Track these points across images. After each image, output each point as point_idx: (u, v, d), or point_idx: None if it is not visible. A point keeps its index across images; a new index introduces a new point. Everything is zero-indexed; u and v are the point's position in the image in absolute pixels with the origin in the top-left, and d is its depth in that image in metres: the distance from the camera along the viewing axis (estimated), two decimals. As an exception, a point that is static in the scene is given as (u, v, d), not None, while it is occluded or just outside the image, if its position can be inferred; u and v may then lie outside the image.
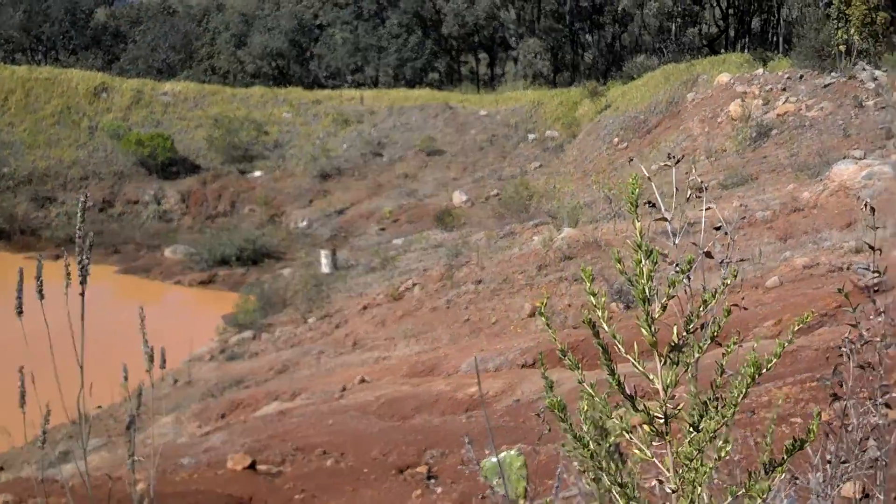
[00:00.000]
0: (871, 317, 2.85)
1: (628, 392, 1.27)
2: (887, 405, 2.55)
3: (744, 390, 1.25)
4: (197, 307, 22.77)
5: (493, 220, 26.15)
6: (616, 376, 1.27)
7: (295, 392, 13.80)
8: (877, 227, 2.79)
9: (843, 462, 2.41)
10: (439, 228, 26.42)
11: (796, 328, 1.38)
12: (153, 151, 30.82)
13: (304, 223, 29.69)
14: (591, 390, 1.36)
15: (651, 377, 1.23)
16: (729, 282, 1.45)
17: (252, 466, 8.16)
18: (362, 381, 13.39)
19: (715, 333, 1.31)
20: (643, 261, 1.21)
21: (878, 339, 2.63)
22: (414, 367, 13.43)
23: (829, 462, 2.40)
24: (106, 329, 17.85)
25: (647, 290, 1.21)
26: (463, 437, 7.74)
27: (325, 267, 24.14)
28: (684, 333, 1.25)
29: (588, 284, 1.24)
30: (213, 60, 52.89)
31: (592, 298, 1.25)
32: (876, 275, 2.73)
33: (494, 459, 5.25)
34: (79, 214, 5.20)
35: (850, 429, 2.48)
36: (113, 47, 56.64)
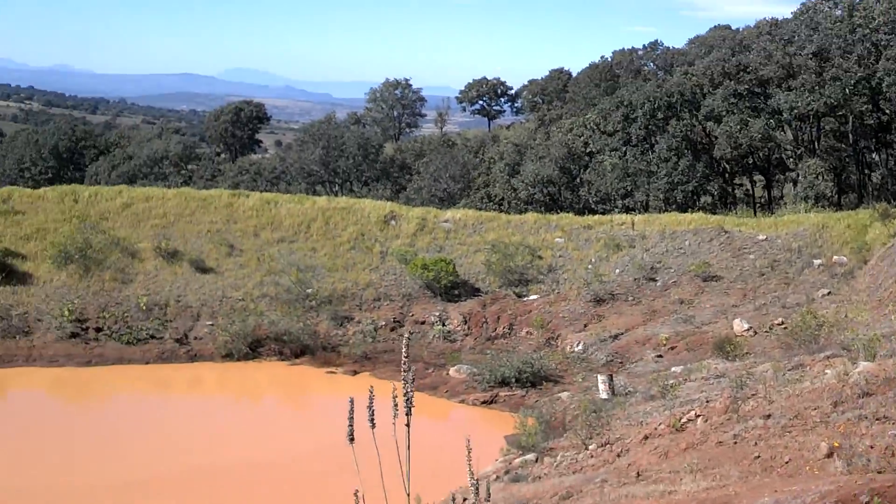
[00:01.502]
0: None
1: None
2: None
3: None
4: (480, 426, 23.36)
5: (779, 350, 24.97)
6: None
7: (582, 520, 13.72)
8: None
9: None
10: (720, 357, 25.62)
11: None
12: (437, 275, 32.53)
13: (580, 347, 29.85)
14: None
15: None
16: None
17: None
18: (652, 514, 13.10)
19: None
20: None
21: None
22: (705, 504, 12.94)
23: None
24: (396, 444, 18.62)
25: None
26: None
27: (602, 393, 24.03)
28: None
29: None
30: (489, 189, 55.27)
31: None
32: None
33: None
34: (404, 351, 5.58)
35: None
36: (400, 178, 60.90)
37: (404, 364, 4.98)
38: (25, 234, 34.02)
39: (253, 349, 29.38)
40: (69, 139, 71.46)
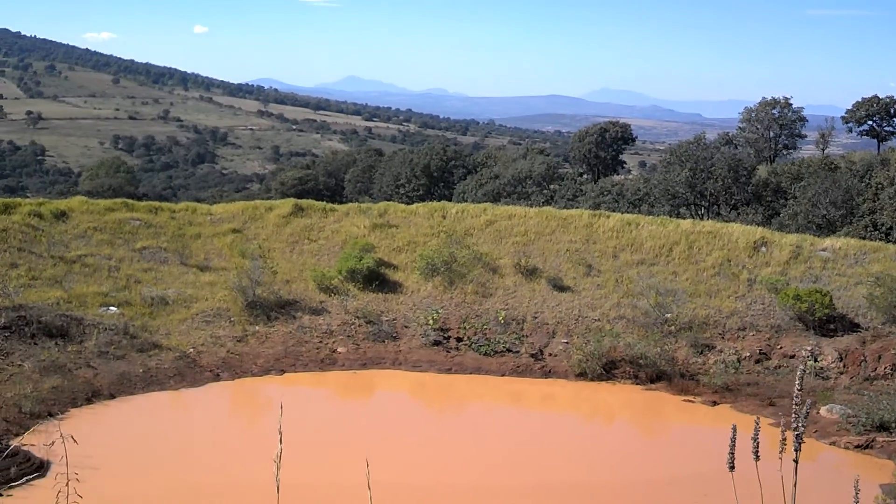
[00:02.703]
0: None
1: None
2: None
3: None
4: (851, 471, 21.88)
5: None
6: None
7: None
8: None
9: None
10: None
11: None
12: (811, 307, 30.86)
13: (978, 398, 26.91)
14: None
15: None
16: None
17: None
18: None
19: None
20: None
21: None
22: None
23: None
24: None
25: None
26: None
27: None
28: None
29: None
30: (875, 216, 51.43)
31: None
32: None
33: None
34: (797, 384, 5.55)
35: None
36: (773, 203, 58.51)
37: (797, 398, 5.09)
38: (398, 247, 37.28)
39: (607, 370, 29.83)
40: (440, 159, 76.98)
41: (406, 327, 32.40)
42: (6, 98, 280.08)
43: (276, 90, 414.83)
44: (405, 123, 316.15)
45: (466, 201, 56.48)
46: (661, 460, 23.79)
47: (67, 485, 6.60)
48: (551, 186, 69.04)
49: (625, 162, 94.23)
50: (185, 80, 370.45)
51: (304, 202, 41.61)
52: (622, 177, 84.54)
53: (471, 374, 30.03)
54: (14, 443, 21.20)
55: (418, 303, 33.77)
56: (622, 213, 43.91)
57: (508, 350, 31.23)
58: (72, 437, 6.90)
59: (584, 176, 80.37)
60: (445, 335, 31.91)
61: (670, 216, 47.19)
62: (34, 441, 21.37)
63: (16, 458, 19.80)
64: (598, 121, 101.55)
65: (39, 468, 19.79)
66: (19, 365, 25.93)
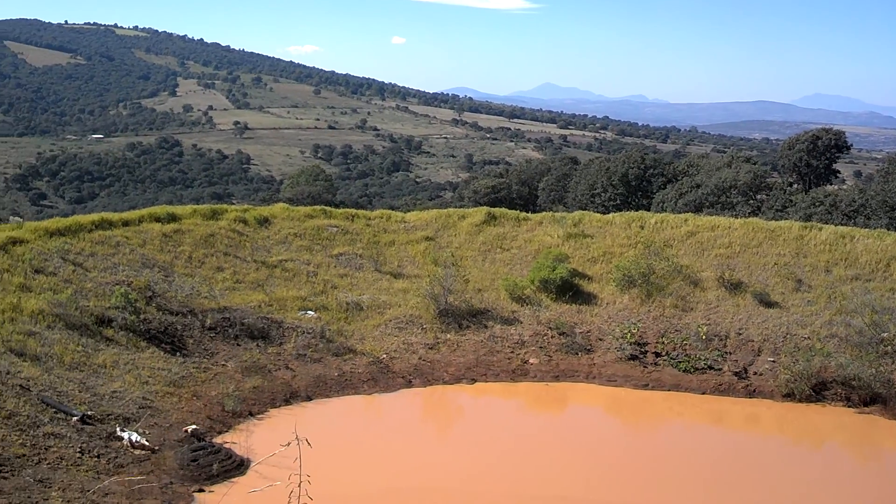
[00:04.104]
0: None
1: None
2: None
3: None
4: None
5: None
6: None
7: None
8: None
9: None
10: None
11: None
12: None
13: None
14: None
15: None
16: None
17: None
18: None
19: None
20: None
21: None
22: None
23: None
24: None
25: None
26: None
27: None
28: None
29: None
30: None
31: None
32: None
33: None
34: None
35: None
36: None
37: None
38: (592, 257, 37.03)
39: (817, 391, 28.48)
40: (638, 167, 75.72)
41: (601, 340, 32.11)
42: (216, 109, 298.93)
43: (470, 99, 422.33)
44: (602, 131, 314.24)
45: (665, 211, 55.38)
46: (874, 487, 22.51)
47: (300, 486, 6.93)
48: (758, 196, 66.58)
49: (839, 171, 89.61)
50: (383, 90, 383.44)
51: (496, 211, 42.03)
52: (836, 187, 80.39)
53: (669, 391, 29.40)
54: (217, 440, 22.52)
55: (613, 315, 33.40)
56: (835, 225, 41.83)
57: (710, 367, 30.35)
58: (306, 440, 7.22)
59: (794, 186, 76.95)
60: (642, 349, 31.40)
61: (888, 229, 44.51)
62: (235, 439, 22.63)
63: (218, 455, 21.01)
64: (809, 128, 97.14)
65: (240, 466, 20.91)
66: (223, 365, 27.55)
